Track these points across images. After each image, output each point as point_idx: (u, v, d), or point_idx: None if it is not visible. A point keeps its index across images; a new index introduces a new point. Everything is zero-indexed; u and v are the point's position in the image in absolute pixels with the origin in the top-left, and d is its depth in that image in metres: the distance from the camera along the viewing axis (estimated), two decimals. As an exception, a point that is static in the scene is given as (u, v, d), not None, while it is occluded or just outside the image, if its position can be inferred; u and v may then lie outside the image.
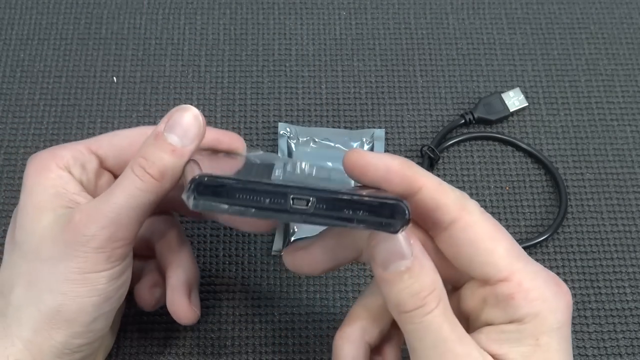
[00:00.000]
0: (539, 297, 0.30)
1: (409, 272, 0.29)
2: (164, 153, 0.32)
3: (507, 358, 0.30)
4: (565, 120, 0.52)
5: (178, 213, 0.42)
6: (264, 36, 0.54)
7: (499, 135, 0.50)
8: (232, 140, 0.39)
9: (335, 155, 0.49)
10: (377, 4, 0.56)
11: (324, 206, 0.29)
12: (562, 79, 0.53)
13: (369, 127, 0.50)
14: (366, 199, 0.29)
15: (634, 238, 0.48)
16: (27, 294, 0.33)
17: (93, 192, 0.36)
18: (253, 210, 0.29)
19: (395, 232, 0.29)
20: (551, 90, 0.53)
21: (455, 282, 0.33)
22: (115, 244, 0.33)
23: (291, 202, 0.29)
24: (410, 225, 0.29)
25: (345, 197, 0.29)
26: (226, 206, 0.29)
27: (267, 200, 0.29)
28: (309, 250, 0.34)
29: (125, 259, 0.34)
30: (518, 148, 0.50)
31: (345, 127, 0.51)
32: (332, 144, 0.49)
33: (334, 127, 0.50)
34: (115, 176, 0.37)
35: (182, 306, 0.37)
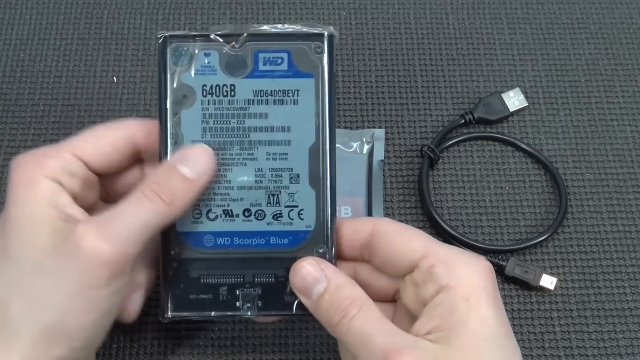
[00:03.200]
0: (458, 262, 0.33)
1: (327, 292, 0.34)
2: (174, 181, 0.34)
3: (447, 325, 0.31)
4: (565, 120, 0.52)
5: None
6: (264, 36, 0.54)
7: (499, 135, 0.50)
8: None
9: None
10: (377, 4, 0.56)
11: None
12: (562, 79, 0.53)
13: (369, 127, 0.50)
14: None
15: (634, 238, 0.48)
16: (27, 309, 0.33)
17: (84, 198, 0.36)
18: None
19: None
20: (551, 90, 0.53)
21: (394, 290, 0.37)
22: (121, 259, 0.32)
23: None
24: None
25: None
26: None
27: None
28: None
29: (127, 274, 0.34)
30: (518, 148, 0.50)
31: (345, 127, 0.51)
32: (332, 144, 0.49)
33: (334, 127, 0.50)
34: (100, 176, 0.37)
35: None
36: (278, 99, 0.36)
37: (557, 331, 0.45)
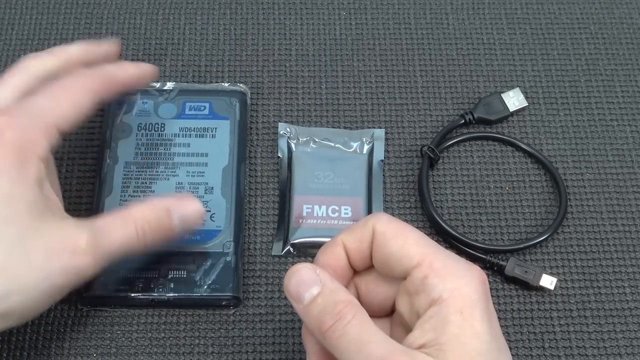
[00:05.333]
0: (452, 273, 0.33)
1: (321, 295, 0.33)
2: (163, 229, 0.39)
3: (441, 340, 0.31)
4: (565, 120, 0.52)
5: None
6: (264, 36, 0.54)
7: (499, 135, 0.50)
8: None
9: (335, 155, 0.49)
10: (377, 4, 0.56)
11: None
12: (562, 79, 0.53)
13: (369, 127, 0.50)
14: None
15: (634, 238, 0.48)
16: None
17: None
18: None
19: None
20: (551, 90, 0.53)
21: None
22: (94, 265, 0.37)
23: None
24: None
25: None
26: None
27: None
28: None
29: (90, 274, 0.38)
30: (518, 148, 0.50)
31: (345, 127, 0.51)
32: (332, 144, 0.49)
33: (334, 127, 0.51)
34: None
35: None
36: (199, 134, 0.47)
37: (557, 331, 0.45)
